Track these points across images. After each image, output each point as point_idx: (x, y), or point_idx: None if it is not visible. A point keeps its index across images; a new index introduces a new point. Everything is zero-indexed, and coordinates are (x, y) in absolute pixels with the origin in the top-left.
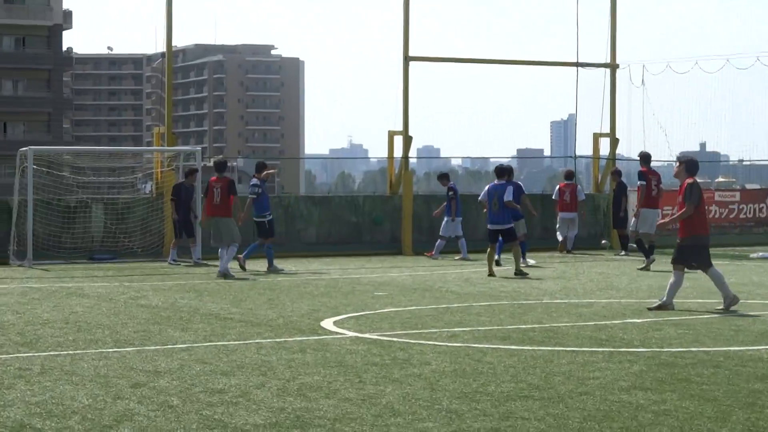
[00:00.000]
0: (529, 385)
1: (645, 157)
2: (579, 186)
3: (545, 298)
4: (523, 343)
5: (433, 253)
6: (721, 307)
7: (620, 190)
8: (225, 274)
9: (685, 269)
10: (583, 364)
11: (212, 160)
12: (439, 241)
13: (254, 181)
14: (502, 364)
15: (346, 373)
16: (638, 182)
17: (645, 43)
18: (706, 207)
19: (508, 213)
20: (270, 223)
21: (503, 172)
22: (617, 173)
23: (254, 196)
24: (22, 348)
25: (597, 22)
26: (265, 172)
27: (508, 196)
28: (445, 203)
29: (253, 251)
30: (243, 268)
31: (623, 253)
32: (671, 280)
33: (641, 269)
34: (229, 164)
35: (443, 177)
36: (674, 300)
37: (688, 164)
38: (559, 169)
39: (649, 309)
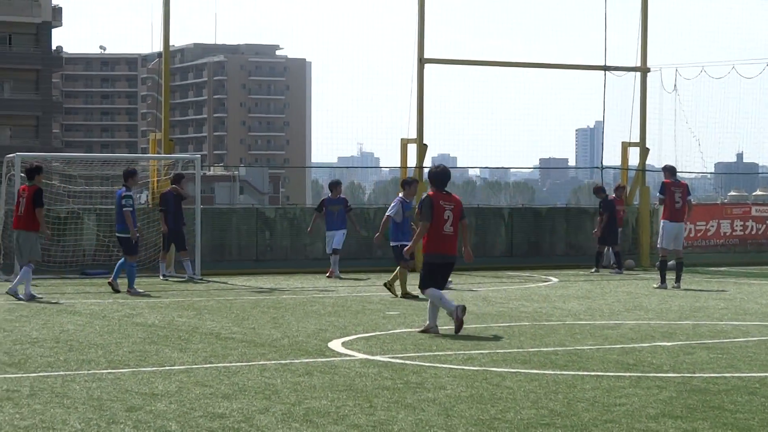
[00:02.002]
0: (550, 412)
1: (669, 170)
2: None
3: (568, 319)
4: (544, 366)
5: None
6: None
7: (604, 207)
8: (16, 294)
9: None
10: (609, 390)
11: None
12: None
13: (126, 191)
14: (521, 389)
15: (356, 397)
16: (658, 195)
17: (678, 46)
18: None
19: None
20: (136, 239)
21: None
22: (600, 190)
23: (130, 209)
24: (9, 368)
25: (626, 22)
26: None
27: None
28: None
29: (120, 271)
30: (116, 290)
31: (594, 270)
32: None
33: (656, 288)
34: (45, 169)
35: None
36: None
37: (429, 175)
38: (585, 180)
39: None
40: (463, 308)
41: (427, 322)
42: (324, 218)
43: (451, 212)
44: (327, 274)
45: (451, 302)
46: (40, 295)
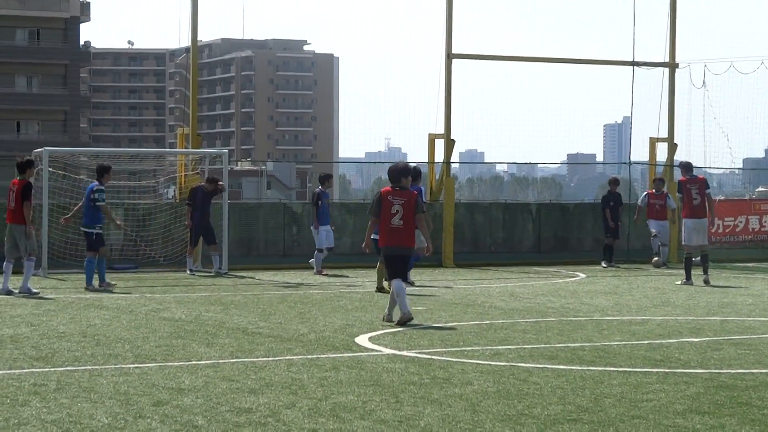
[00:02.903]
0: (577, 408)
1: (684, 166)
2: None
3: (596, 315)
4: (571, 362)
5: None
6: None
7: (605, 202)
8: (27, 291)
9: None
10: (636, 386)
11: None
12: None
13: (99, 185)
14: (548, 385)
15: (382, 392)
16: (677, 195)
17: (707, 41)
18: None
19: None
20: (99, 235)
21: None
22: (612, 182)
23: (103, 203)
24: (37, 363)
25: (655, 17)
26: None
27: None
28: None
29: (94, 269)
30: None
31: (604, 265)
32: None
33: (680, 284)
34: (36, 164)
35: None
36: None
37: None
38: (612, 176)
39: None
40: (410, 318)
41: (402, 312)
42: (318, 212)
43: (401, 206)
44: (317, 272)
45: (407, 306)
46: (36, 290)
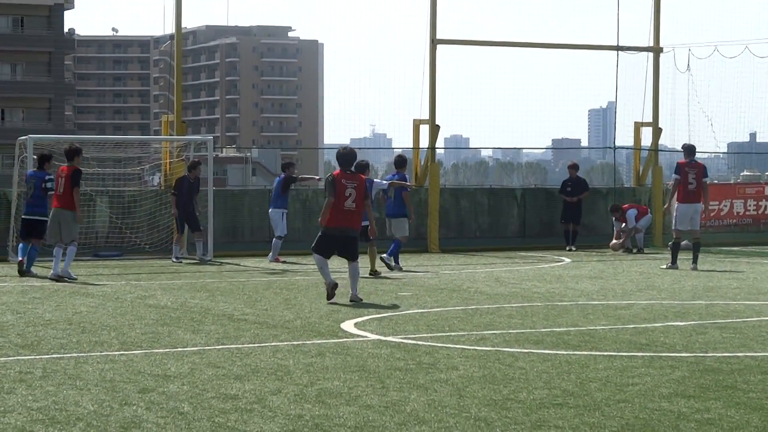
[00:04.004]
0: (563, 392)
1: (686, 149)
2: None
3: (581, 300)
4: (557, 347)
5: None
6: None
7: (563, 187)
8: (63, 276)
9: None
10: (622, 370)
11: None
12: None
13: (48, 174)
14: (534, 370)
15: (368, 378)
16: (673, 175)
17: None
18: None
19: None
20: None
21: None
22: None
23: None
24: (22, 350)
25: (639, 2)
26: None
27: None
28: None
29: (32, 256)
30: (26, 273)
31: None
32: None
33: (666, 268)
34: (82, 152)
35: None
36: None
37: (336, 156)
38: (597, 160)
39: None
40: (335, 285)
41: (325, 282)
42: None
43: (354, 190)
44: (275, 260)
45: (329, 275)
46: (75, 276)
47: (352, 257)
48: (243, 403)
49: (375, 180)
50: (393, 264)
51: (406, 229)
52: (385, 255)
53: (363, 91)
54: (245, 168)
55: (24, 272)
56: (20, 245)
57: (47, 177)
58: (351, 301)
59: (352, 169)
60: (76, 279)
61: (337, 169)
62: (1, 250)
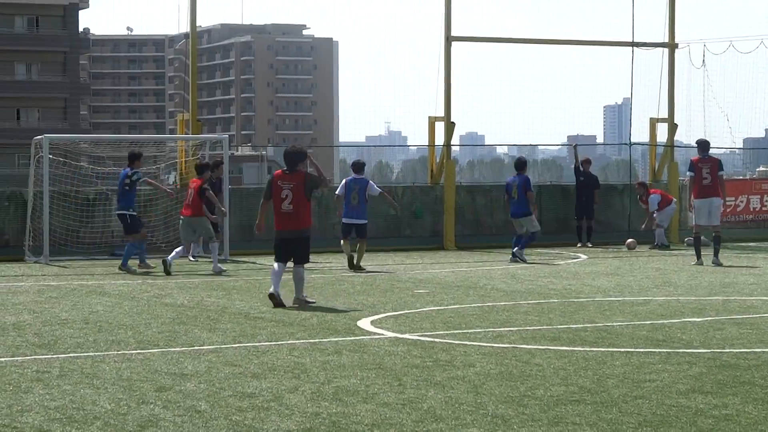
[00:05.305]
0: (580, 389)
1: (700, 145)
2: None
3: (598, 296)
4: (574, 343)
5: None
6: None
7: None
8: (220, 272)
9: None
10: (639, 366)
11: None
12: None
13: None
14: (551, 366)
15: (385, 375)
16: (687, 173)
17: (706, 21)
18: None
19: (365, 208)
20: (133, 217)
21: (359, 167)
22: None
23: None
24: (39, 349)
25: None
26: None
27: (371, 190)
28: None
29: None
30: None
31: (581, 244)
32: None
33: (693, 264)
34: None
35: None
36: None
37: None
38: (613, 157)
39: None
40: (273, 295)
41: (271, 290)
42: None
43: (290, 191)
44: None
45: (275, 285)
46: (224, 268)
47: (295, 260)
48: (260, 402)
49: (370, 182)
50: (522, 257)
51: (536, 224)
52: (516, 249)
53: (378, 88)
54: (260, 166)
55: (120, 267)
56: (127, 244)
57: (129, 173)
58: (294, 303)
59: (308, 169)
60: (225, 271)
61: (279, 170)
62: (18, 251)
